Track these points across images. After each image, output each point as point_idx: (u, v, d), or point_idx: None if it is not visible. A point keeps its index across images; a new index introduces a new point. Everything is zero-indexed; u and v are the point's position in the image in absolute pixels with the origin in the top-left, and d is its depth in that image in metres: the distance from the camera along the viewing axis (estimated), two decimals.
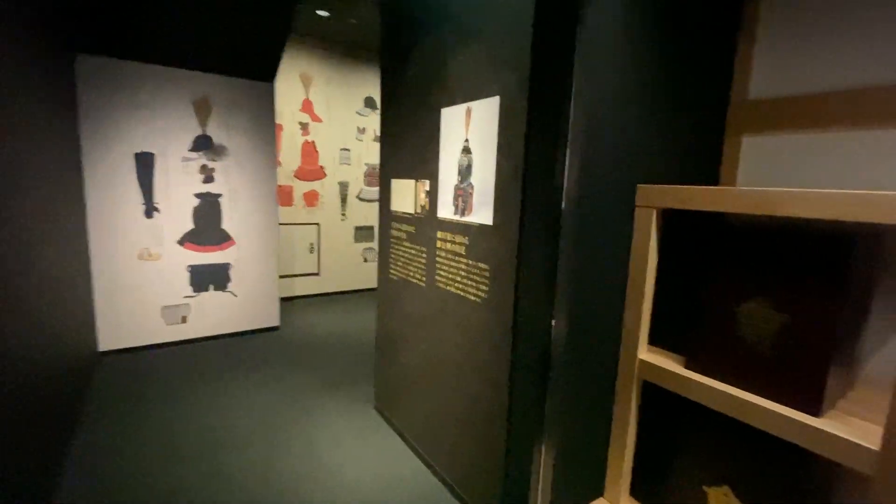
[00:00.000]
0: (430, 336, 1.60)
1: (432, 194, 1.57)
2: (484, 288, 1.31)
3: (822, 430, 0.85)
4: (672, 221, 1.15)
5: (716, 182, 1.44)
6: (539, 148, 1.15)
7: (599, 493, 1.27)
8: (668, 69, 1.20)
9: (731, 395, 0.97)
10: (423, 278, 1.65)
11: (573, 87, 1.04)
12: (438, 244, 1.55)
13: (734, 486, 1.02)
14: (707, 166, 1.43)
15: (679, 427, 1.14)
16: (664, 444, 1.17)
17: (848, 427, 0.86)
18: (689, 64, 1.26)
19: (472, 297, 1.37)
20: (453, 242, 1.46)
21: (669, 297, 1.17)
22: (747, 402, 0.95)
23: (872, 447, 0.79)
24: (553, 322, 1.11)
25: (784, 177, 1.31)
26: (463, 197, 1.41)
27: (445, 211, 1.50)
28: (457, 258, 1.45)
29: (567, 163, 1.06)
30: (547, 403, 1.16)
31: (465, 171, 1.40)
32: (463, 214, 1.41)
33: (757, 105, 1.34)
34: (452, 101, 1.44)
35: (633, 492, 1.24)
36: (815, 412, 0.89)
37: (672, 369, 1.09)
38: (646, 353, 1.16)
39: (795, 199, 0.86)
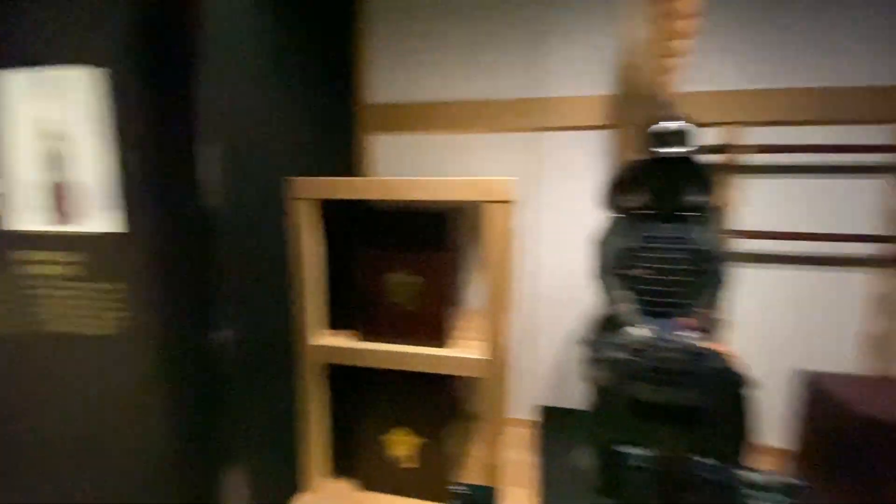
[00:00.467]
0: (32, 408, 1.12)
1: None
2: (116, 316, 1.02)
3: (453, 357, 1.14)
4: (330, 212, 1.23)
5: (358, 173, 1.63)
6: (171, 136, 0.97)
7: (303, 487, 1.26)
8: (305, 69, 1.25)
9: (391, 351, 1.16)
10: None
11: (204, 71, 0.92)
12: (28, 268, 1.09)
13: (409, 424, 1.23)
14: (350, 161, 1.60)
15: (358, 396, 1.26)
16: (351, 418, 1.27)
17: (461, 349, 1.17)
18: (321, 67, 1.34)
19: (98, 332, 1.04)
20: (52, 262, 1.05)
21: (342, 282, 1.26)
22: (403, 352, 1.15)
23: (480, 357, 1.12)
24: (217, 334, 0.99)
25: (411, 167, 1.62)
26: (64, 198, 1.04)
27: (30, 220, 1.06)
28: (66, 283, 1.06)
29: (208, 154, 0.95)
30: (225, 428, 1.04)
31: (56, 163, 1.02)
32: (65, 223, 1.04)
33: (378, 109, 1.59)
34: (12, 63, 1.01)
35: (336, 474, 1.30)
36: (440, 345, 1.17)
37: (345, 345, 1.18)
38: (321, 339, 1.22)
39: (413, 185, 1.08)
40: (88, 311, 1.05)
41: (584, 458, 1.18)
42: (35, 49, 1.01)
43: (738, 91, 1.36)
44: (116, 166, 0.98)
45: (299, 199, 1.14)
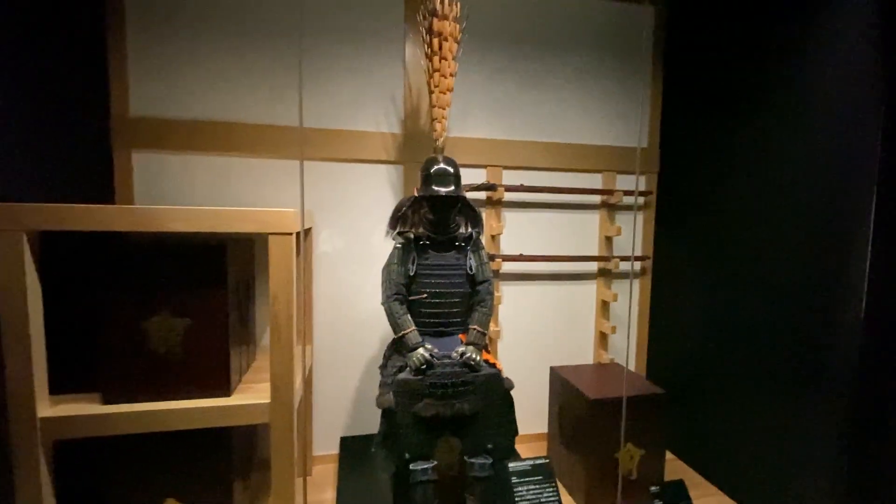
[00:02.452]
0: None
1: None
2: None
3: (233, 405, 1.02)
4: (59, 245, 0.98)
5: (112, 198, 1.37)
6: None
7: None
8: (21, 70, 0.99)
9: (155, 411, 0.98)
10: None
11: None
12: None
13: (177, 493, 1.05)
14: (100, 182, 1.33)
15: (109, 470, 1.02)
16: (95, 498, 1.02)
17: (249, 395, 1.07)
18: (51, 69, 1.09)
19: None
20: None
21: (72, 333, 1.01)
22: (171, 410, 0.98)
23: (265, 401, 1.04)
24: None
25: (178, 192, 1.42)
26: None
27: None
28: None
29: None
30: None
31: None
32: None
33: (139, 123, 1.37)
34: None
35: None
36: (227, 393, 1.05)
37: (86, 413, 0.95)
38: (49, 408, 0.95)
39: (179, 215, 0.95)
40: None
41: (379, 482, 1.20)
42: None
43: (496, 140, 1.63)
44: None
45: (6, 230, 0.89)
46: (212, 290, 1.02)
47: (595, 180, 1.74)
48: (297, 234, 1.12)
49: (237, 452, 1.14)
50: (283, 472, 1.05)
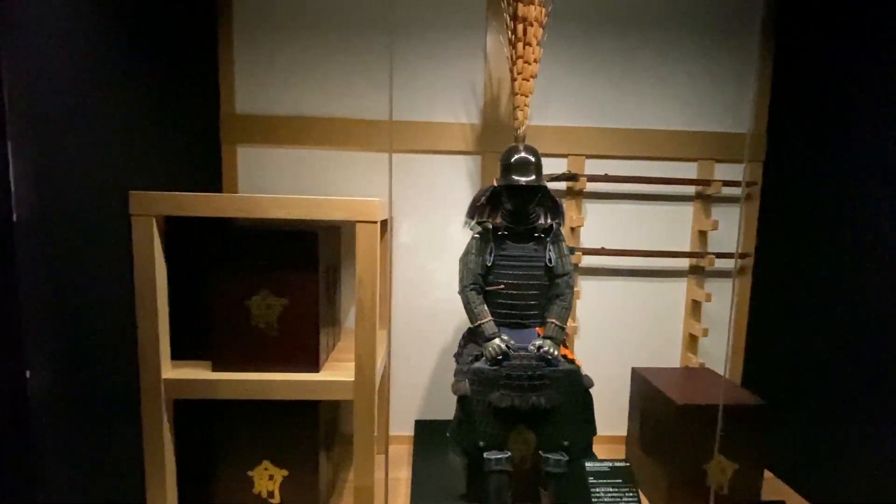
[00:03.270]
0: None
1: None
2: None
3: (321, 381, 1.10)
4: (179, 229, 1.12)
5: (220, 188, 1.51)
6: None
7: None
8: (157, 75, 1.14)
9: (255, 381, 1.08)
10: None
11: (2, 72, 0.78)
12: None
13: (273, 458, 1.15)
14: (210, 174, 1.48)
15: (216, 429, 1.15)
16: (205, 453, 1.15)
17: (336, 372, 1.14)
18: (174, 71, 1.23)
19: None
20: None
21: (188, 306, 1.14)
22: (268, 381, 1.08)
23: (349, 380, 1.10)
24: (28, 374, 0.83)
25: (276, 182, 1.55)
26: None
27: None
28: None
29: (13, 170, 0.80)
30: (43, 484, 0.87)
31: None
32: None
33: (244, 119, 1.50)
34: None
35: None
36: (316, 369, 1.13)
37: (200, 377, 1.08)
38: (170, 371, 1.09)
39: (277, 203, 1.04)
40: None
41: (452, 467, 1.22)
42: None
43: (579, 128, 1.56)
44: None
45: (142, 215, 1.02)
46: (306, 274, 1.10)
47: (688, 169, 1.60)
48: (382, 222, 1.16)
49: (322, 425, 1.22)
50: (364, 447, 1.11)
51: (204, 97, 1.44)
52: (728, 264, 1.63)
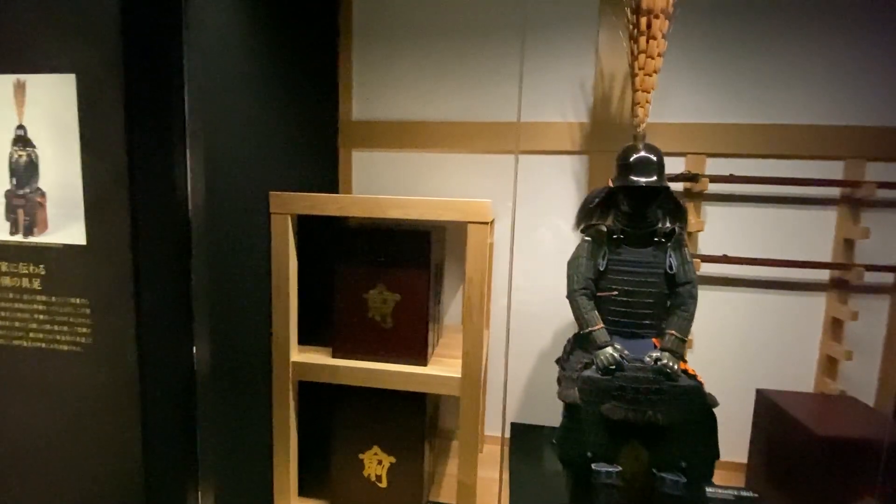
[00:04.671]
0: None
1: None
2: (83, 331, 0.97)
3: (430, 374, 1.13)
4: (305, 227, 1.21)
5: (336, 189, 1.62)
6: (147, 145, 0.94)
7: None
8: (290, 84, 1.24)
9: (369, 369, 1.14)
10: None
11: (185, 76, 0.90)
12: None
13: (382, 444, 1.20)
14: (328, 176, 1.59)
15: (331, 413, 1.23)
16: (322, 435, 1.24)
17: (443, 367, 1.17)
18: (307, 82, 1.34)
19: (66, 348, 0.98)
20: (16, 275, 1.00)
21: (313, 298, 1.24)
22: (377, 370, 1.14)
23: (457, 375, 1.11)
24: (194, 349, 0.96)
25: (386, 185, 1.62)
26: (27, 209, 0.99)
27: None
28: (25, 297, 1.00)
29: (189, 165, 0.92)
30: (199, 445, 0.99)
31: (24, 172, 0.98)
32: (30, 234, 0.99)
33: (359, 125, 1.59)
34: None
35: (302, 492, 1.26)
36: (424, 363, 1.16)
37: (322, 362, 1.16)
38: (297, 355, 1.19)
39: (396, 203, 1.08)
40: (51, 326, 0.99)
41: (553, 473, 1.19)
42: (4, 55, 0.97)
43: (700, 124, 1.43)
44: (83, 176, 0.94)
45: (280, 213, 1.13)
46: (418, 271, 1.14)
47: (831, 170, 1.40)
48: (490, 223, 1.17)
49: (428, 417, 1.25)
50: (468, 443, 1.12)
51: (325, 104, 1.55)
52: (879, 278, 1.40)
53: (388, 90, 1.58)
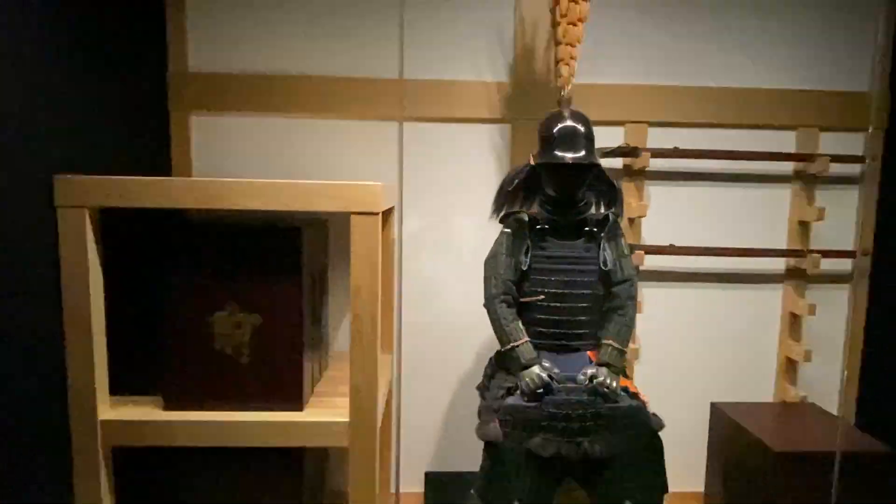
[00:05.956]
0: None
1: None
2: None
3: (307, 422, 1.10)
4: (118, 225, 1.11)
5: (168, 171, 1.51)
6: None
7: None
8: (84, 26, 1.14)
9: (219, 423, 1.08)
10: None
11: None
12: None
13: None
14: (156, 149, 1.48)
15: (168, 485, 1.15)
16: None
17: (325, 410, 1.14)
18: (110, 21, 1.24)
19: None
20: None
21: (132, 327, 1.15)
22: (237, 423, 1.08)
23: (344, 420, 1.09)
24: None
25: (240, 163, 1.54)
26: None
27: None
28: None
29: None
30: None
31: None
32: None
33: (198, 80, 1.50)
34: None
35: None
36: (299, 407, 1.12)
37: (148, 418, 1.08)
38: (108, 410, 1.09)
39: (248, 189, 1.03)
40: None
41: None
42: None
43: (640, 86, 1.55)
44: None
45: (71, 206, 1.02)
46: (285, 282, 1.10)
47: (782, 141, 1.58)
48: (384, 213, 1.16)
49: (307, 481, 1.22)
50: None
51: (146, 52, 1.44)
52: (838, 266, 1.61)
53: (237, 30, 1.51)
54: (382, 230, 1.21)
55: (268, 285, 1.10)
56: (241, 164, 1.54)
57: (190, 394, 1.10)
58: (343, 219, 1.07)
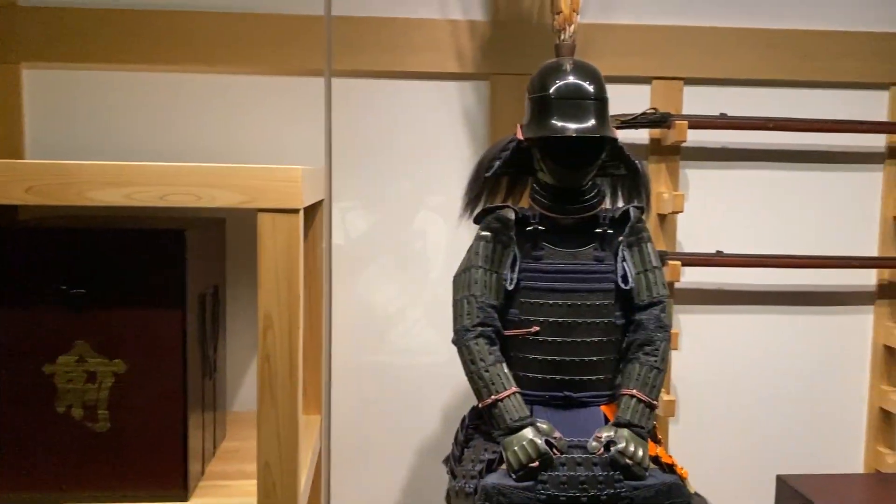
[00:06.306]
0: None
1: None
2: None
3: None
4: None
5: None
6: None
7: None
8: None
9: None
10: None
11: None
12: None
13: None
14: None
15: None
16: None
17: (220, 498, 1.14)
18: None
19: None
20: None
21: None
22: None
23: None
24: None
25: (94, 135, 1.54)
26: None
27: None
28: None
29: None
30: None
31: None
32: None
33: (33, 15, 1.48)
34: None
35: None
36: (183, 494, 1.12)
37: None
38: None
39: (103, 177, 1.02)
40: None
41: None
42: None
43: (671, 27, 1.58)
44: None
45: None
46: (160, 311, 1.09)
47: (871, 105, 1.64)
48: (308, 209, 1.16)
49: None
50: None
51: None
52: None
53: None
54: (305, 235, 1.22)
55: (134, 316, 1.09)
56: (97, 141, 1.53)
57: (23, 477, 1.09)
58: (247, 218, 1.07)
